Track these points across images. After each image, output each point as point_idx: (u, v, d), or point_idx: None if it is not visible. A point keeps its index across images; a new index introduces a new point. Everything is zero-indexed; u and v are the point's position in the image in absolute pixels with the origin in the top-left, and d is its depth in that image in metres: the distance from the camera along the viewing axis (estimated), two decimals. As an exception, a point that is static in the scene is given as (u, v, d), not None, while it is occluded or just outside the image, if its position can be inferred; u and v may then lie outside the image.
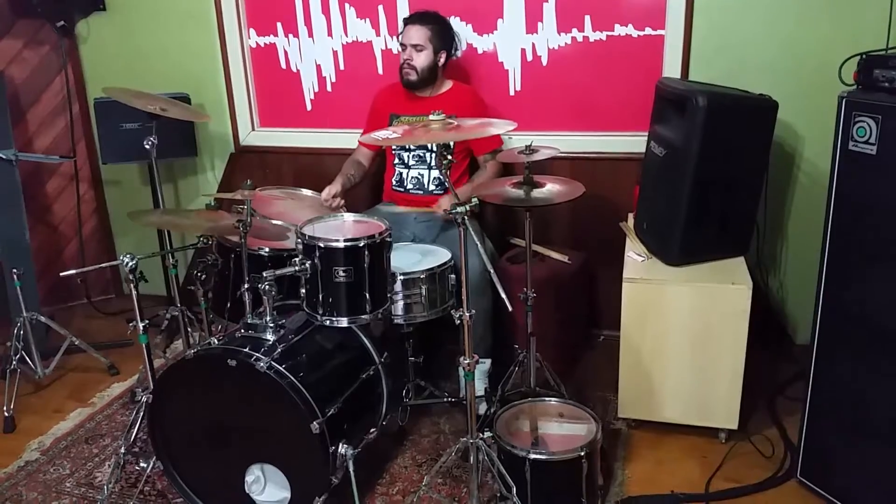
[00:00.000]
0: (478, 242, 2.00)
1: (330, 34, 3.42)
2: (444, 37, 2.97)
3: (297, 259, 2.26)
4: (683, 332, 2.49)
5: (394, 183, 3.10)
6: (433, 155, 3.00)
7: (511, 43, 3.20)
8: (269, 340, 2.19)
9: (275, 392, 2.06)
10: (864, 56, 1.98)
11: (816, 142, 2.92)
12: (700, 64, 2.98)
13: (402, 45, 2.96)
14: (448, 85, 3.05)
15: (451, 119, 2.08)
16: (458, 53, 3.14)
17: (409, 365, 2.71)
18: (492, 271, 1.95)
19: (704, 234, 2.56)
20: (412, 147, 3.03)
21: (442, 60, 2.97)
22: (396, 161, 3.09)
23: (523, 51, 3.20)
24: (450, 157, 1.98)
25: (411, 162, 3.05)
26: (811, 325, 2.19)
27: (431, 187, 3.04)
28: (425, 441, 2.68)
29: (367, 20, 3.33)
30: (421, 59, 2.92)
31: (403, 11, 3.24)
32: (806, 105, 2.85)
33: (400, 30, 3.03)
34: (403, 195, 3.08)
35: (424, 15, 2.97)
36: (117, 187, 3.96)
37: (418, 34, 2.91)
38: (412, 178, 3.05)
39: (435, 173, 3.02)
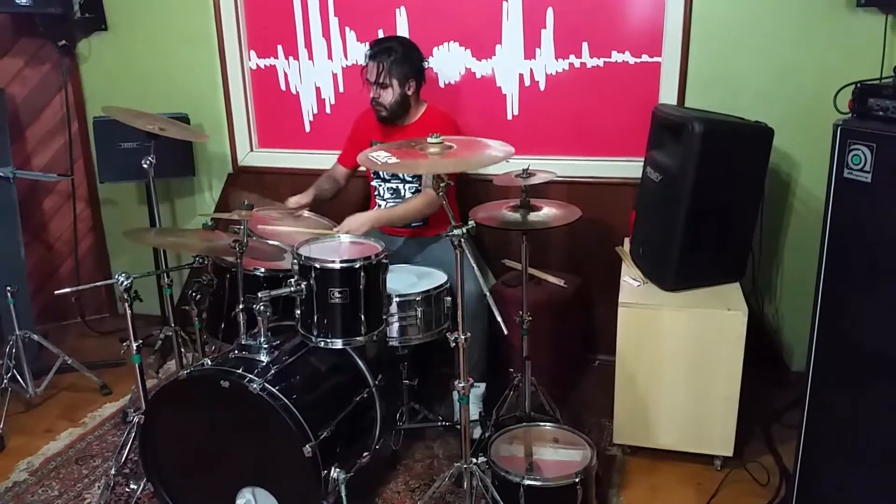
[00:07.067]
0: (474, 265, 1.99)
1: (330, 57, 3.45)
2: (409, 65, 2.82)
3: (292, 280, 2.26)
4: (679, 357, 2.48)
5: None
6: (406, 186, 2.95)
7: (509, 68, 3.22)
8: (263, 362, 2.18)
9: (267, 414, 2.04)
10: (858, 85, 2.00)
11: (812, 169, 2.93)
12: (696, 91, 3.01)
13: (366, 80, 2.85)
14: (422, 109, 2.93)
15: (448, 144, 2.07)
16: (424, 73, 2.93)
17: (403, 388, 2.69)
18: (488, 295, 1.95)
19: (700, 260, 2.57)
20: (387, 177, 2.96)
21: (412, 89, 2.85)
22: (375, 194, 3.04)
23: (521, 76, 3.22)
24: (446, 179, 1.98)
25: (387, 195, 3.00)
26: (807, 351, 2.19)
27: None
28: (419, 466, 2.66)
29: (367, 44, 3.34)
30: (387, 96, 2.82)
31: (404, 35, 3.26)
32: (801, 132, 2.87)
33: (364, 62, 2.89)
34: (386, 228, 2.98)
35: (383, 48, 2.82)
36: (114, 206, 3.96)
37: (380, 71, 2.79)
38: None
39: None
